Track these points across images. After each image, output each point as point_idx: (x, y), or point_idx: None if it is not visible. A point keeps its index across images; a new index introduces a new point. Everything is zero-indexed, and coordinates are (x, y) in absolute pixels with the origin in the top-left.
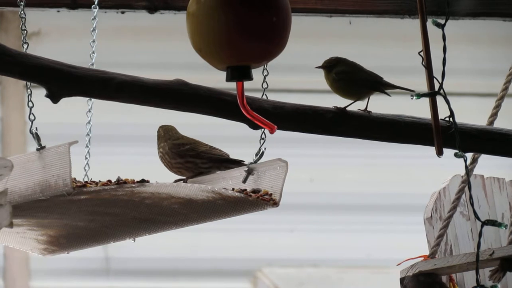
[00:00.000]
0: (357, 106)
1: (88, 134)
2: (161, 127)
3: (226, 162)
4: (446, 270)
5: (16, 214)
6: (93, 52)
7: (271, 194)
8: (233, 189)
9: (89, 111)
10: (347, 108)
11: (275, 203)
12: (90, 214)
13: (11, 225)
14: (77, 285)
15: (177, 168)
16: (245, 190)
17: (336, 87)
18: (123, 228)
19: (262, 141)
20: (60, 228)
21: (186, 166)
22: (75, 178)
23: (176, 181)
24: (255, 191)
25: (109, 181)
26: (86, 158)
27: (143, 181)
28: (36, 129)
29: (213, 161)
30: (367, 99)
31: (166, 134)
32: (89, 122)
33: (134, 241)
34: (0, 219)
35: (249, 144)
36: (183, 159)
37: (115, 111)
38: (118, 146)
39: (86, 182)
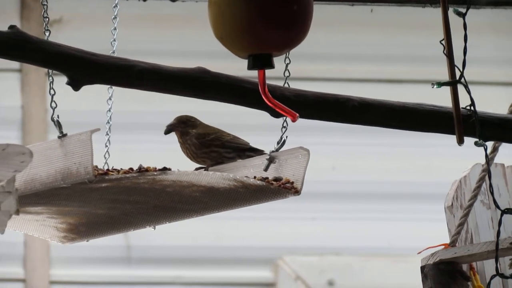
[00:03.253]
0: (376, 96)
1: (108, 122)
2: (193, 117)
3: (248, 151)
4: (467, 258)
5: (37, 201)
6: (114, 40)
7: (292, 182)
8: (254, 177)
9: (110, 98)
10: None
11: (297, 192)
12: (111, 202)
13: (17, 212)
14: (98, 273)
15: (201, 158)
16: (267, 178)
17: None
18: (143, 216)
19: (283, 129)
20: (80, 216)
21: (211, 156)
22: (96, 166)
23: (197, 169)
24: (276, 179)
25: (131, 169)
26: (106, 146)
27: (164, 169)
28: (58, 117)
29: (237, 150)
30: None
31: (201, 124)
32: (109, 110)
33: (154, 229)
34: (8, 206)
35: (270, 132)
36: (208, 149)
37: (136, 99)
38: (139, 134)
39: (108, 170)
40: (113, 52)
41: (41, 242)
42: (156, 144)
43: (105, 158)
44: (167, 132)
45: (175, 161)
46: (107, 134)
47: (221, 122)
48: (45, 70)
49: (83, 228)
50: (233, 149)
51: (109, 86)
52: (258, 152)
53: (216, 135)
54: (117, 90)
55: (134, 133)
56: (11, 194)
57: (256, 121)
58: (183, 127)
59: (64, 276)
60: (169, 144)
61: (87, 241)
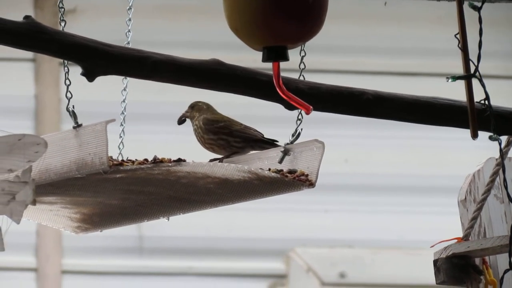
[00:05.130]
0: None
1: (123, 113)
2: (202, 102)
3: (260, 142)
4: (480, 252)
5: (51, 191)
6: (129, 31)
7: (307, 175)
8: (269, 169)
9: (124, 89)
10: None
11: (311, 184)
12: (125, 193)
13: (34, 202)
14: (111, 263)
15: (209, 144)
16: (282, 170)
17: None
18: (157, 207)
19: (298, 121)
20: (94, 206)
21: (219, 143)
22: (111, 157)
23: (211, 160)
24: (291, 171)
25: (146, 160)
26: (121, 136)
27: (179, 160)
28: (73, 107)
29: (247, 140)
30: None
31: (208, 109)
32: (124, 101)
33: (168, 220)
34: (24, 196)
35: (284, 125)
36: (216, 136)
37: (150, 89)
38: (153, 125)
39: (122, 160)
40: (128, 43)
41: (53, 231)
42: (171, 135)
43: (119, 148)
44: (179, 121)
45: (189, 152)
46: (121, 124)
47: (235, 114)
48: (59, 60)
49: (97, 219)
50: (242, 138)
51: (123, 77)
52: (270, 143)
53: (226, 123)
54: (132, 81)
55: (149, 124)
56: (27, 184)
57: (271, 113)
58: (190, 111)
59: (76, 266)
60: (184, 135)
61: (100, 231)
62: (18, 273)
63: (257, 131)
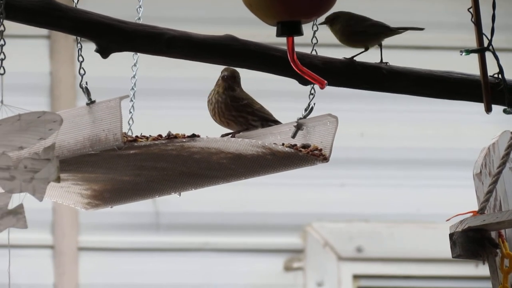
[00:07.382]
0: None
1: (133, 88)
2: (235, 71)
3: (272, 122)
4: (495, 225)
5: (63, 168)
6: (140, 7)
7: (321, 150)
8: (282, 144)
9: (135, 65)
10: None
11: (325, 159)
12: (138, 169)
13: (58, 179)
14: (127, 239)
15: (226, 119)
16: (295, 145)
17: (343, 36)
18: (169, 182)
19: (311, 96)
20: (105, 182)
21: (238, 121)
22: (125, 133)
23: (224, 135)
24: (304, 146)
25: (160, 135)
26: (131, 112)
27: (193, 136)
28: (86, 84)
29: (263, 120)
30: (378, 47)
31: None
32: (134, 76)
33: (180, 195)
34: (48, 173)
35: (298, 99)
36: (238, 113)
37: (164, 65)
38: (164, 101)
39: (136, 136)
40: (139, 18)
41: (69, 208)
42: (182, 110)
43: (129, 124)
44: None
45: (200, 127)
46: (131, 100)
47: (248, 89)
48: (74, 36)
49: (108, 195)
50: (259, 117)
51: (134, 52)
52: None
53: (248, 101)
54: (146, 56)
55: (160, 100)
56: (50, 162)
57: (284, 88)
58: (233, 81)
59: (93, 242)
60: (194, 110)
61: (111, 207)
62: (35, 250)
63: (268, 110)
